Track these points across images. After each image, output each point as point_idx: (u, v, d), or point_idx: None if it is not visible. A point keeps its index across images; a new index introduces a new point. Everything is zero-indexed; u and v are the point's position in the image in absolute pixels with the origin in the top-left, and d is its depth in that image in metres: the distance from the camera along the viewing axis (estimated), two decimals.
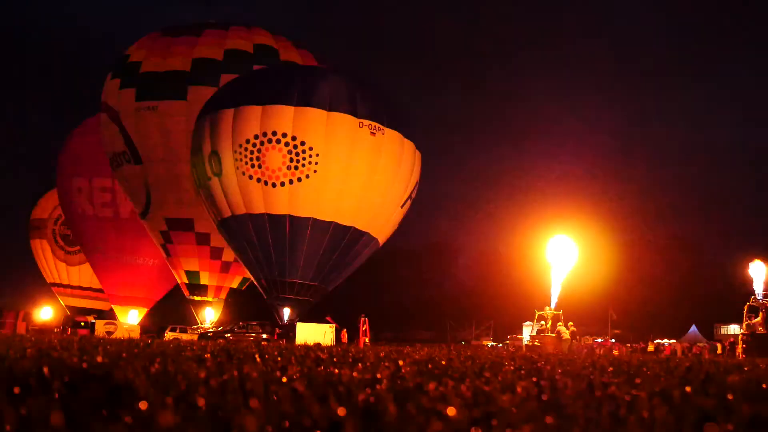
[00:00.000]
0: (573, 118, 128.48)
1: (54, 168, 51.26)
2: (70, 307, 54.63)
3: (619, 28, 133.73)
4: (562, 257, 30.18)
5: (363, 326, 34.03)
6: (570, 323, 30.05)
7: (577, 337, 30.88)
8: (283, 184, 32.93)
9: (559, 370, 6.66)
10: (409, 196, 36.56)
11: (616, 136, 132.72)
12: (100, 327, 37.25)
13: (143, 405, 2.77)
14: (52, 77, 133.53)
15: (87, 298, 54.81)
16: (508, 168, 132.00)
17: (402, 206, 36.30)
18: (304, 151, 32.82)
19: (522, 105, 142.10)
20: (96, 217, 48.18)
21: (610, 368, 7.41)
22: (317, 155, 32.83)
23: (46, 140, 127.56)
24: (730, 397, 4.04)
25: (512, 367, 7.00)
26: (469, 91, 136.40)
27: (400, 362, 6.97)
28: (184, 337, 34.33)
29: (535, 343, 29.99)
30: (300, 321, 33.97)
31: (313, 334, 28.97)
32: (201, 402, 2.95)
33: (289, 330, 31.95)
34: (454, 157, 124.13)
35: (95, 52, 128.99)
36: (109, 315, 50.09)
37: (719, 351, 40.68)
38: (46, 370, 4.00)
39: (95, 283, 52.41)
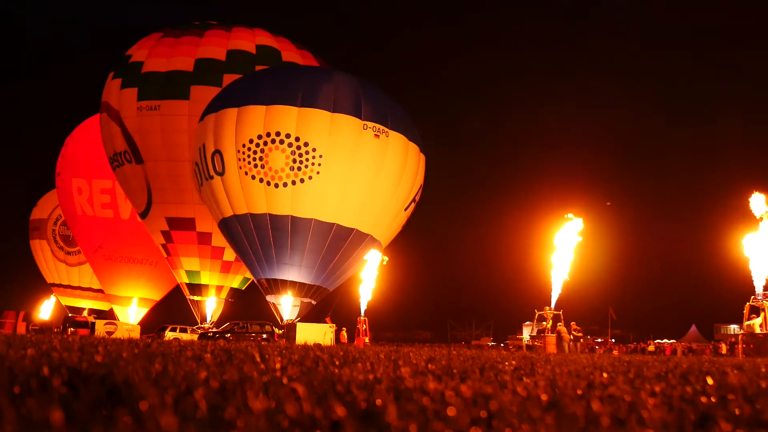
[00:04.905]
0: (574, 120, 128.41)
1: (54, 168, 51.34)
2: (70, 307, 54.67)
3: (620, 32, 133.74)
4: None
5: (362, 326, 34.01)
6: (572, 323, 30.00)
7: (581, 340, 30.80)
8: (285, 184, 32.95)
9: (558, 370, 6.66)
10: (413, 199, 36.57)
11: (619, 136, 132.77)
12: (100, 327, 37.21)
13: (143, 405, 2.77)
14: (52, 77, 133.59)
15: (87, 298, 54.87)
16: (509, 169, 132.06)
17: (405, 209, 36.31)
18: (307, 152, 32.85)
19: (523, 106, 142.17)
20: (96, 217, 48.25)
21: (610, 368, 7.40)
22: (320, 156, 32.85)
23: (46, 140, 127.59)
24: (731, 396, 4.04)
25: (512, 367, 7.00)
26: (470, 92, 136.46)
27: (400, 362, 6.97)
28: (184, 337, 34.32)
29: (536, 343, 29.96)
30: (300, 321, 33.98)
31: (314, 334, 28.95)
32: (201, 402, 2.95)
33: (290, 330, 31.94)
34: (455, 158, 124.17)
35: (95, 52, 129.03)
36: (109, 315, 50.13)
37: (723, 351, 40.67)
38: (46, 370, 4.00)
39: (95, 283, 52.49)
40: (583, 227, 29.94)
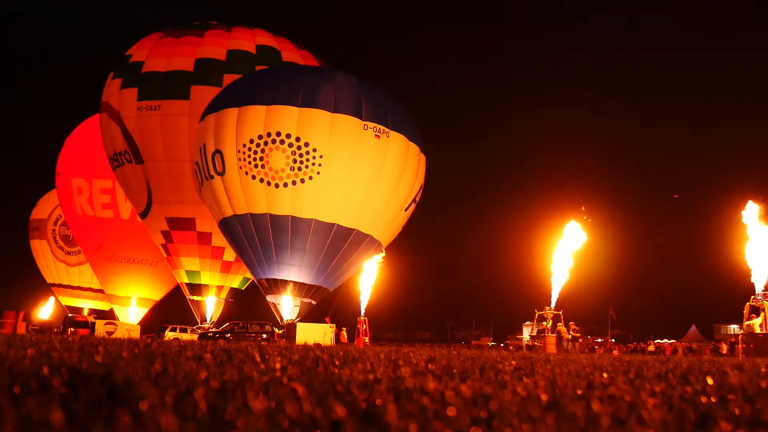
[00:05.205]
0: (575, 120, 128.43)
1: (54, 168, 51.34)
2: (70, 307, 54.67)
3: (621, 33, 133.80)
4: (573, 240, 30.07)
5: (362, 326, 34.03)
6: (571, 323, 30.00)
7: (580, 340, 30.79)
8: (286, 185, 32.94)
9: (558, 370, 6.65)
10: (413, 200, 36.54)
11: (619, 137, 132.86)
12: (100, 327, 37.22)
13: (143, 405, 2.77)
14: (52, 77, 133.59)
15: (87, 298, 54.87)
16: (509, 170, 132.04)
17: (406, 209, 36.29)
18: (307, 152, 32.84)
19: (524, 106, 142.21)
20: (96, 217, 48.26)
21: (610, 368, 7.40)
22: (321, 157, 32.83)
23: (46, 140, 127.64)
24: (731, 396, 4.04)
25: (512, 367, 6.99)
26: (470, 92, 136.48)
27: (400, 362, 6.97)
28: (184, 337, 34.32)
29: (536, 343, 29.98)
30: (300, 321, 33.99)
31: (313, 334, 28.96)
32: (201, 402, 2.95)
33: (290, 330, 31.95)
34: (455, 158, 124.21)
35: (95, 52, 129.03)
36: (109, 315, 50.13)
37: (723, 351, 40.63)
38: (46, 370, 4.00)
39: (95, 283, 52.48)
40: (585, 227, 29.97)
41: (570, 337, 29.28)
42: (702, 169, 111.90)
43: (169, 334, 36.18)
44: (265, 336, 33.32)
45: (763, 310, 23.59)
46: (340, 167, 33.05)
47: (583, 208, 29.77)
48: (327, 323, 33.27)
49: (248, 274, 39.80)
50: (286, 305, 35.04)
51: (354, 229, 34.32)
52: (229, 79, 38.18)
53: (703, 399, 3.89)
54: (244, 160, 33.11)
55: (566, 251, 30.33)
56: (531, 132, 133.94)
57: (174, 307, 49.82)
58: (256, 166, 33.01)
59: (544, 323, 30.52)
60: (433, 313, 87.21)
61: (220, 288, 43.00)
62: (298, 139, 32.82)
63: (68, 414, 2.55)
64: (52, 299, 58.89)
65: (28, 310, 54.94)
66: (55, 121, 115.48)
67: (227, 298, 43.62)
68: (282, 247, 34.00)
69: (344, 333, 35.00)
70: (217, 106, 34.67)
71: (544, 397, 3.75)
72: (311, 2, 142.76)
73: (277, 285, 34.91)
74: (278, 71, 37.45)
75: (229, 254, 40.13)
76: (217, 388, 3.58)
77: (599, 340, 63.17)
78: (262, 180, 33.03)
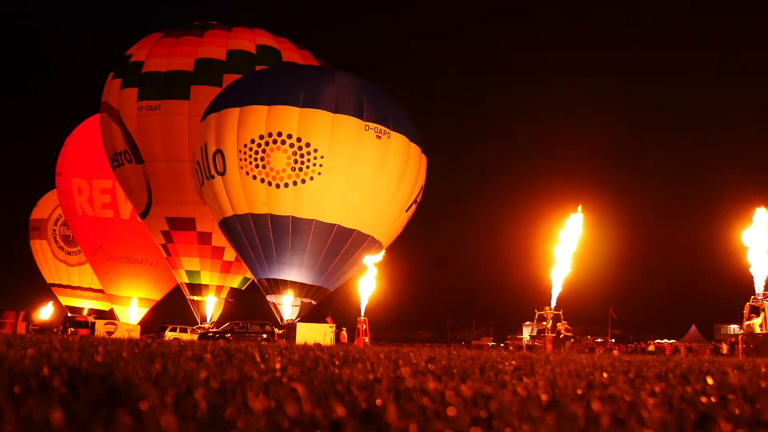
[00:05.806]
0: (574, 120, 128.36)
1: (54, 168, 51.33)
2: (70, 307, 54.67)
3: (621, 32, 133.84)
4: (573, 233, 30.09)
5: (362, 326, 34.03)
6: (564, 323, 29.99)
7: (572, 340, 30.76)
8: (287, 185, 32.96)
9: (558, 370, 6.65)
10: (414, 200, 36.54)
11: (619, 137, 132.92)
12: (100, 327, 37.22)
13: (143, 405, 2.78)
14: (52, 77, 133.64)
15: (87, 298, 54.87)
16: (509, 169, 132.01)
17: (407, 210, 36.30)
18: (309, 153, 32.85)
19: (524, 106, 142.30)
20: (96, 217, 48.27)
21: (610, 368, 7.40)
22: (322, 157, 32.85)
23: (46, 140, 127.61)
24: (731, 396, 4.04)
25: (512, 367, 6.99)
26: (471, 92, 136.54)
27: (400, 362, 6.97)
28: (184, 337, 34.31)
29: (536, 343, 29.98)
30: (300, 321, 34.00)
31: (313, 334, 28.96)
32: (201, 402, 2.95)
33: (290, 330, 31.95)
34: (455, 158, 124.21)
35: (95, 52, 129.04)
36: (109, 315, 50.13)
37: (723, 351, 40.62)
38: (46, 370, 4.01)
39: (95, 283, 52.49)
40: (584, 225, 29.98)
41: (561, 336, 29.31)
42: (702, 168, 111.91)
43: (169, 334, 36.17)
44: (265, 336, 33.31)
45: (763, 310, 23.59)
46: (341, 168, 33.05)
47: (579, 207, 29.80)
48: (328, 323, 33.28)
49: (248, 274, 39.80)
50: (287, 305, 35.05)
51: (355, 230, 34.32)
52: (229, 79, 38.20)
53: (703, 399, 3.89)
54: (245, 160, 33.12)
55: (566, 251, 30.35)
56: (531, 133, 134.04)
57: (174, 307, 49.86)
58: (257, 166, 33.02)
59: (544, 323, 30.52)
60: (433, 313, 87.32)
61: (220, 288, 43.00)
62: (299, 140, 32.83)
63: (68, 414, 2.55)
64: (52, 299, 58.87)
65: (28, 310, 54.95)
66: (55, 121, 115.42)
67: (227, 298, 43.62)
68: (282, 247, 34.02)
69: (344, 333, 35.00)
70: (218, 106, 34.68)
71: (544, 397, 3.75)
72: (311, 2, 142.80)
73: (277, 285, 34.91)
74: (279, 71, 37.46)
75: (229, 254, 40.14)
76: (217, 388, 3.59)
77: (599, 340, 63.14)
78: (263, 180, 33.04)
